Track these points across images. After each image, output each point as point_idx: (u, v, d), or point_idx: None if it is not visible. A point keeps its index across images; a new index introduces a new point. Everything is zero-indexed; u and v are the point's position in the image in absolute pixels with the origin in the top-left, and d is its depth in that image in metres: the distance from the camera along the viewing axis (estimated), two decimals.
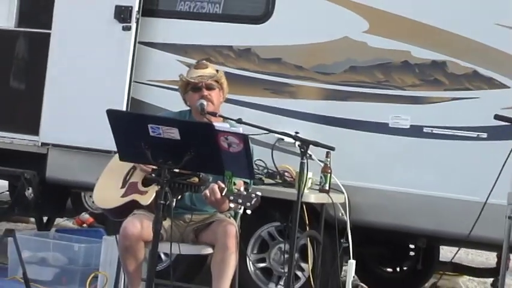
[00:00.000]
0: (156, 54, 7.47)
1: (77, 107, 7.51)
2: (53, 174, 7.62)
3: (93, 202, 7.42)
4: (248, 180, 5.55)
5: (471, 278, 8.68)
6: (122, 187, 5.85)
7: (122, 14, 7.40)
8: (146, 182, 5.72)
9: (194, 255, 6.14)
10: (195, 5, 7.48)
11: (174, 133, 5.17)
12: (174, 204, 5.27)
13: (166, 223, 5.42)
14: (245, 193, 5.24)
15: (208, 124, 5.52)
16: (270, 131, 6.14)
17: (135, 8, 7.39)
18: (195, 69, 6.04)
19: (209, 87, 5.91)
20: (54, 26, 7.66)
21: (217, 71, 6.08)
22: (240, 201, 5.26)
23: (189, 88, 5.95)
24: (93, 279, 6.68)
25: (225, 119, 5.91)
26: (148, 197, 5.68)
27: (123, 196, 5.82)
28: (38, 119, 7.63)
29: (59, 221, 9.44)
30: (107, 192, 5.91)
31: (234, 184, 5.27)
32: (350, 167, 6.77)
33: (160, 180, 5.18)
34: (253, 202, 5.23)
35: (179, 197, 5.43)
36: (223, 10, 7.41)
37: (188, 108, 6.04)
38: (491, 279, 8.28)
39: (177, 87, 6.18)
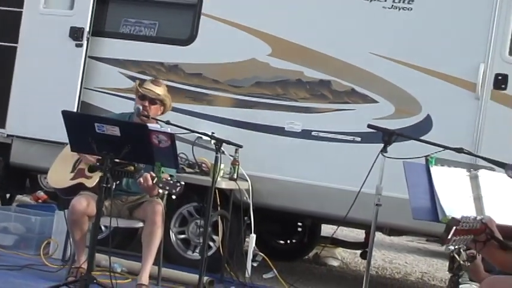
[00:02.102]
0: (102, 67, 7.41)
1: (37, 106, 7.43)
2: (15, 160, 7.55)
3: (47, 183, 7.34)
4: (173, 173, 5.59)
5: (345, 249, 8.81)
6: (72, 172, 5.86)
7: (76, 34, 7.35)
8: (91, 169, 5.72)
9: (128, 227, 6.17)
10: (135, 28, 7.46)
11: (115, 131, 5.20)
12: (113, 187, 5.31)
13: (107, 202, 5.47)
14: (172, 182, 5.30)
15: (143, 125, 5.56)
16: (192, 131, 6.17)
17: (86, 29, 7.34)
18: (150, 83, 6.06)
19: (151, 102, 5.94)
20: (21, 41, 7.58)
21: (166, 93, 6.07)
22: (168, 188, 5.32)
23: (138, 95, 5.97)
24: (47, 245, 6.64)
25: (157, 120, 5.95)
26: (92, 180, 5.70)
27: (72, 179, 5.82)
28: (5, 115, 7.56)
29: (19, 198, 9.34)
30: (59, 175, 5.90)
31: (163, 173, 5.32)
32: (254, 161, 6.77)
33: (103, 168, 5.20)
34: (178, 189, 5.30)
35: (118, 182, 5.47)
36: (157, 33, 7.40)
37: (132, 111, 6.03)
38: (360, 251, 8.45)
39: (118, 93, 6.19)
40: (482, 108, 6.41)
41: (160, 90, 5.99)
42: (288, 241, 8.65)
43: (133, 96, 6.17)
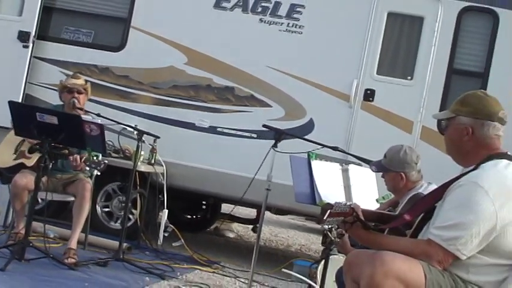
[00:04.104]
0: (44, 65, 7.20)
1: None
2: None
3: None
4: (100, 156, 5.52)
5: (240, 224, 8.87)
6: (14, 153, 5.72)
7: (23, 37, 7.12)
8: (31, 151, 5.61)
9: (61, 201, 6.05)
10: (74, 35, 7.29)
11: (54, 120, 5.12)
12: (50, 166, 5.21)
13: (44, 179, 5.33)
14: (97, 161, 5.24)
15: (77, 116, 5.48)
16: (118, 123, 6.11)
17: (32, 33, 7.12)
18: (72, 79, 5.97)
19: (79, 92, 5.85)
20: None
21: (86, 82, 6.03)
22: (93, 166, 5.25)
23: (65, 90, 5.87)
24: None
25: (88, 112, 5.85)
26: (32, 160, 5.58)
27: (14, 159, 5.69)
28: None
29: None
30: (3, 156, 5.75)
31: (92, 157, 5.25)
32: (169, 150, 6.70)
33: (42, 150, 5.11)
34: (102, 167, 5.25)
35: (54, 162, 5.36)
36: (93, 40, 7.24)
37: (62, 103, 5.93)
38: (252, 226, 8.51)
39: (57, 88, 6.06)
40: (354, 116, 6.53)
41: (81, 81, 5.94)
42: (194, 216, 8.63)
43: None
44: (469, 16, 6.46)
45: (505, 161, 3.01)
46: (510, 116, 3.14)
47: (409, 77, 6.52)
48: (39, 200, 6.42)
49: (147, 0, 7.12)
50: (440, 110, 6.07)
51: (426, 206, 3.12)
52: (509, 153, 3.07)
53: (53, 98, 6.76)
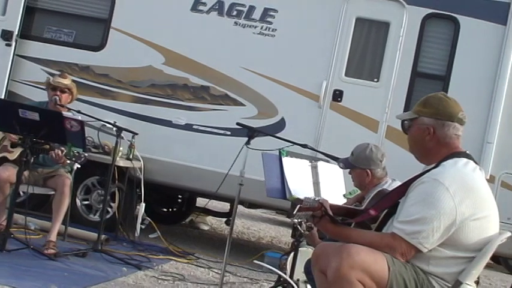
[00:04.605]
0: (27, 64, 7.13)
1: None
2: None
3: None
4: (80, 151, 5.47)
5: (214, 217, 8.85)
6: None
7: (6, 35, 7.05)
8: (13, 145, 5.54)
9: (42, 194, 5.98)
10: (56, 34, 7.22)
11: (35, 116, 5.07)
12: (32, 161, 5.16)
13: (26, 173, 5.28)
14: (77, 155, 5.19)
15: (58, 112, 5.42)
16: (98, 119, 6.07)
17: (15, 32, 7.05)
18: (59, 77, 5.90)
19: (62, 91, 5.79)
20: None
21: (72, 82, 5.95)
22: (74, 159, 5.21)
23: (50, 87, 5.82)
24: None
25: (70, 109, 5.79)
26: (14, 155, 5.52)
27: None
28: None
29: None
30: None
31: (72, 152, 5.20)
32: (147, 146, 6.66)
33: (24, 145, 5.06)
34: (82, 160, 5.21)
35: (35, 156, 5.31)
36: (74, 40, 7.17)
37: (47, 100, 5.87)
38: (225, 219, 8.49)
39: (39, 86, 6.01)
40: (323, 115, 6.55)
41: (67, 81, 5.86)
42: (170, 209, 8.59)
43: None
44: (432, 22, 6.52)
45: (464, 160, 3.04)
46: (469, 117, 3.18)
47: (375, 79, 6.56)
48: (21, 193, 6.36)
49: (127, 2, 7.08)
50: (404, 111, 6.12)
51: (390, 202, 3.14)
52: (467, 152, 3.11)
53: (35, 95, 6.70)
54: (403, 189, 3.08)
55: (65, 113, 5.46)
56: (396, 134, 6.28)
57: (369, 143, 4.57)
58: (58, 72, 6.51)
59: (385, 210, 3.16)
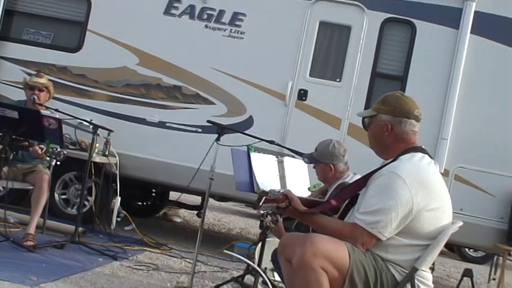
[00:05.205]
0: (6, 64, 7.02)
1: None
2: None
3: None
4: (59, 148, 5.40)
5: (186, 210, 8.82)
6: None
7: None
8: None
9: (21, 189, 5.89)
10: (34, 36, 7.12)
11: (15, 114, 4.99)
12: (11, 157, 5.09)
13: (5, 168, 5.19)
14: (56, 151, 5.13)
15: (37, 111, 5.35)
16: (75, 117, 5.96)
17: None
18: (35, 77, 5.82)
19: (40, 90, 5.71)
20: None
21: (48, 81, 5.88)
22: (53, 156, 5.14)
23: (28, 87, 5.73)
24: None
25: (48, 108, 5.72)
26: None
27: None
28: None
29: None
30: None
31: (51, 148, 5.14)
32: (122, 142, 6.61)
33: (3, 142, 4.98)
34: (61, 157, 5.14)
35: (15, 153, 5.23)
36: (52, 41, 7.08)
37: (25, 98, 5.78)
38: (197, 212, 8.47)
39: (18, 85, 5.91)
40: (289, 113, 6.57)
41: (43, 80, 5.78)
42: (144, 203, 8.53)
43: None
44: (391, 26, 6.57)
45: (420, 154, 3.07)
46: (424, 114, 3.21)
47: (337, 79, 6.60)
48: (1, 187, 6.27)
49: (103, 5, 7.01)
50: (365, 109, 6.16)
51: (351, 193, 3.16)
52: (423, 147, 3.14)
53: (14, 95, 6.60)
54: (363, 182, 3.10)
55: (43, 111, 5.39)
56: (357, 130, 6.32)
57: (332, 139, 4.59)
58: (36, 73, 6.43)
59: (346, 201, 3.18)
